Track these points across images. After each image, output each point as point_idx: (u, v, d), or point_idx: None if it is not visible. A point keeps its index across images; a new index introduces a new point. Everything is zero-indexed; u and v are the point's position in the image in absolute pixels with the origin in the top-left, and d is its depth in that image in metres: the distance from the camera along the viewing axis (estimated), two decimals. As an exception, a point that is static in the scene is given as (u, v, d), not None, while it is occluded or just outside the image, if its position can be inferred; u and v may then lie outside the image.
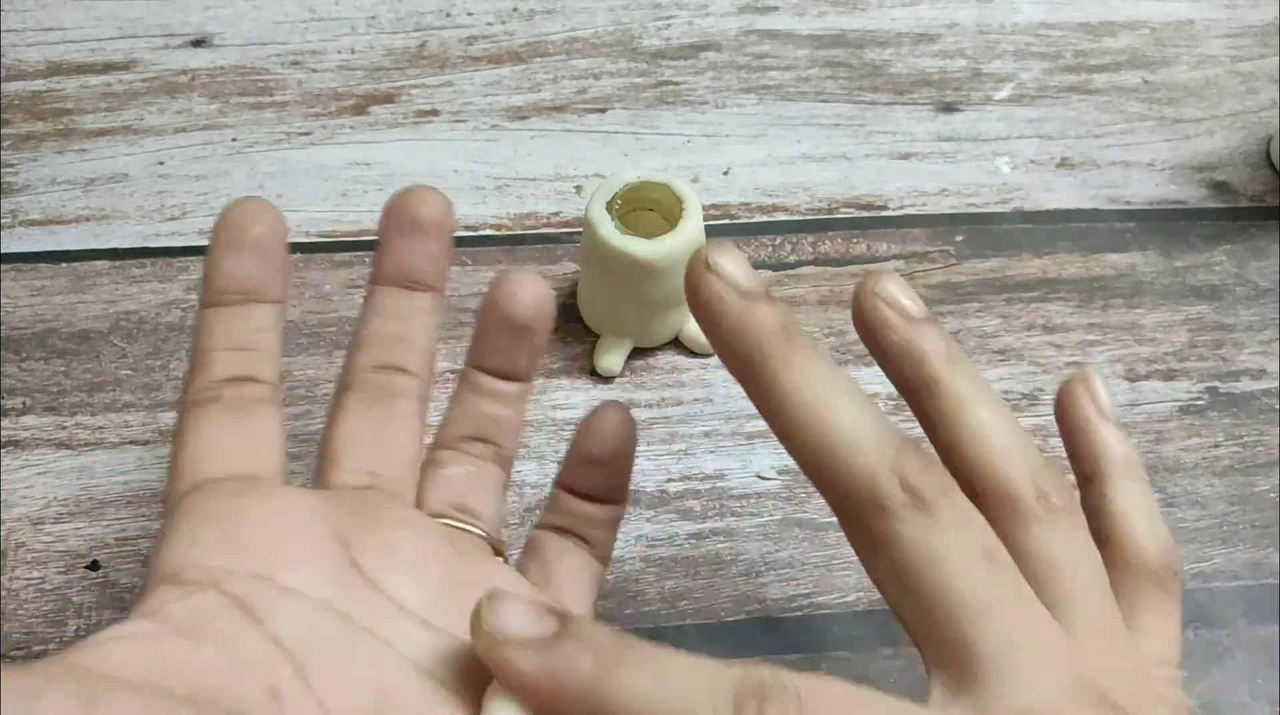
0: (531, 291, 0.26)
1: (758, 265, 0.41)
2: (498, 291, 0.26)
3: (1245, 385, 0.39)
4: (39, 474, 0.36)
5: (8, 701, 0.17)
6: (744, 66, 0.48)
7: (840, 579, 0.35)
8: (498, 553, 0.25)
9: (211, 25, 0.48)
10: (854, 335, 0.40)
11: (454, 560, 0.23)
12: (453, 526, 0.25)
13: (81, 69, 0.46)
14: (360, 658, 0.20)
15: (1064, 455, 0.37)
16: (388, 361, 0.26)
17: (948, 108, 0.47)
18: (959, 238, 0.43)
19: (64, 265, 0.40)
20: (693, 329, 0.38)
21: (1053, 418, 0.38)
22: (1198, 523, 0.36)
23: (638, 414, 0.38)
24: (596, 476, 0.27)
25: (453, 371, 0.38)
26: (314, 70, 0.47)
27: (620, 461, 0.27)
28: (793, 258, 0.42)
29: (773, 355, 0.21)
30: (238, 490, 0.22)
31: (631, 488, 0.36)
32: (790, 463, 0.36)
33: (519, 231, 0.42)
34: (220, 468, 0.23)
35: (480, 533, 0.25)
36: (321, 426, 0.37)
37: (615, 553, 0.30)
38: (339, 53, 0.47)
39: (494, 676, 0.20)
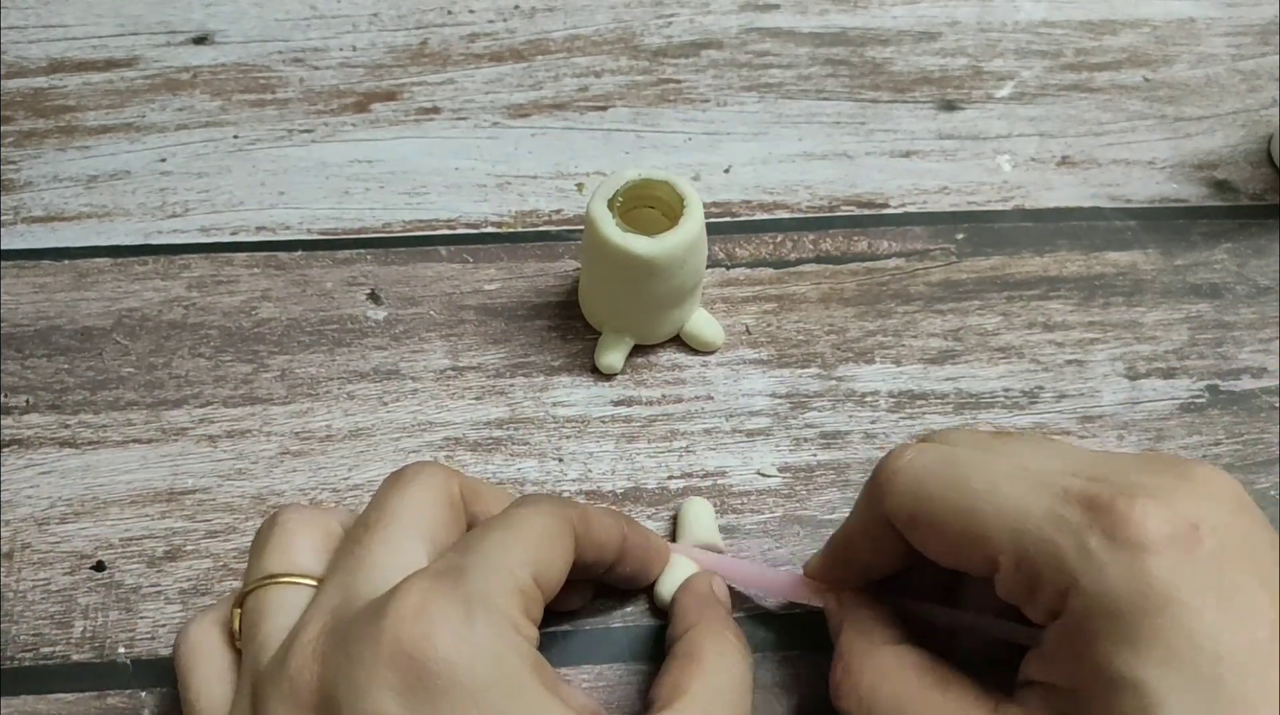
0: None
1: (758, 263, 0.42)
2: None
3: (1246, 383, 0.39)
4: (43, 473, 0.36)
5: None
6: (745, 64, 0.48)
7: (841, 576, 0.35)
8: None
9: (213, 22, 0.48)
10: (855, 332, 0.40)
11: None
12: None
13: (83, 66, 0.46)
14: None
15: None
16: None
17: (949, 106, 0.47)
18: (960, 235, 0.43)
19: (66, 262, 0.41)
20: (694, 326, 0.39)
21: (1053, 415, 0.39)
22: (1197, 520, 0.36)
23: (638, 411, 0.38)
24: None
25: (454, 369, 0.38)
26: (315, 68, 0.47)
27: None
28: (794, 255, 0.42)
29: None
30: None
31: (633, 485, 0.36)
32: (791, 460, 0.37)
33: (520, 229, 0.42)
34: None
35: None
36: (322, 425, 0.37)
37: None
38: (340, 50, 0.47)
39: None
